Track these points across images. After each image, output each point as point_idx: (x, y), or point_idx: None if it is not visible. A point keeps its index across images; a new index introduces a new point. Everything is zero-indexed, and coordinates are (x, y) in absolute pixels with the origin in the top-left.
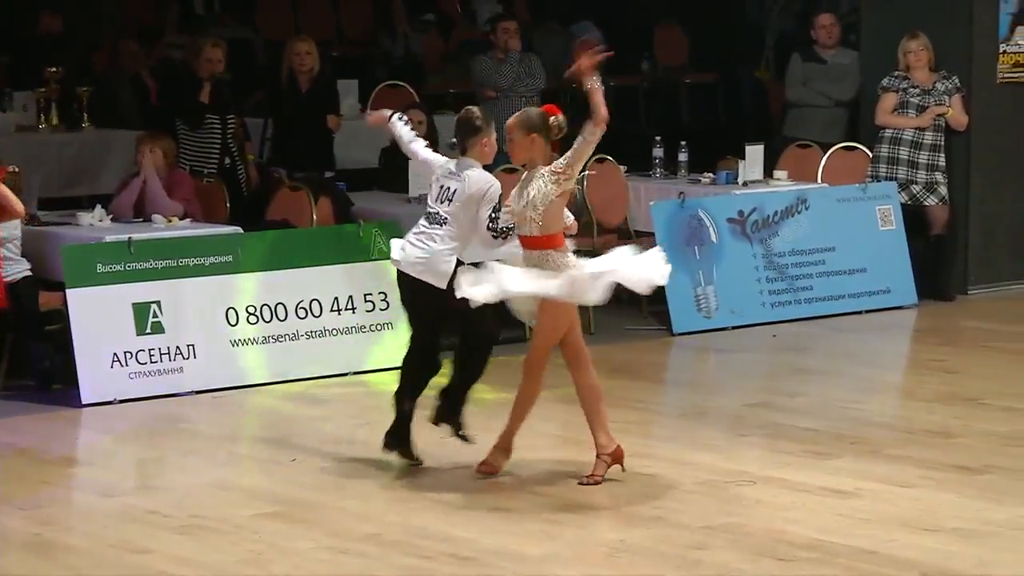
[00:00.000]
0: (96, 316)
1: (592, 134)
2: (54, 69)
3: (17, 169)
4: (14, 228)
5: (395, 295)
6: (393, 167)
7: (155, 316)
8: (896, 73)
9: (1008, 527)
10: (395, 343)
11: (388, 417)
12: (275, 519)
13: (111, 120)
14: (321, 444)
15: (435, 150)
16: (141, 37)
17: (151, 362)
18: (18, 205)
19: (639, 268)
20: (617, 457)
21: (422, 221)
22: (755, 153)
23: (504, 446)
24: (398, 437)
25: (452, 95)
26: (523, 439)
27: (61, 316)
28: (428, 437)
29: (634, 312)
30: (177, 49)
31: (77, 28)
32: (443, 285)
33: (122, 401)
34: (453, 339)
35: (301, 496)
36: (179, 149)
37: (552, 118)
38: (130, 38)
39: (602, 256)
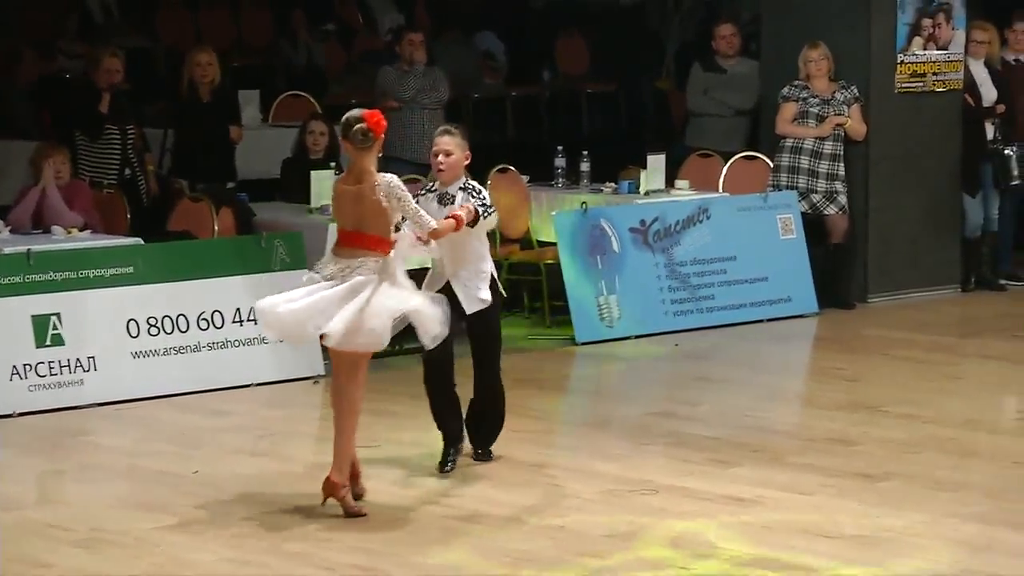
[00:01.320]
0: None
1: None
2: None
3: None
4: None
5: None
6: (295, 178)
7: (55, 328)
8: (796, 82)
9: (907, 533)
10: (296, 354)
11: (288, 427)
12: (176, 531)
13: (8, 130)
14: (223, 456)
15: (335, 159)
16: (38, 46)
17: (51, 374)
18: None
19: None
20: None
21: None
22: (657, 162)
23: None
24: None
25: (355, 105)
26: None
27: None
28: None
29: (537, 321)
30: (75, 59)
31: None
32: None
33: (22, 414)
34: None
35: (203, 508)
36: (78, 160)
37: (357, 126)
38: (27, 46)
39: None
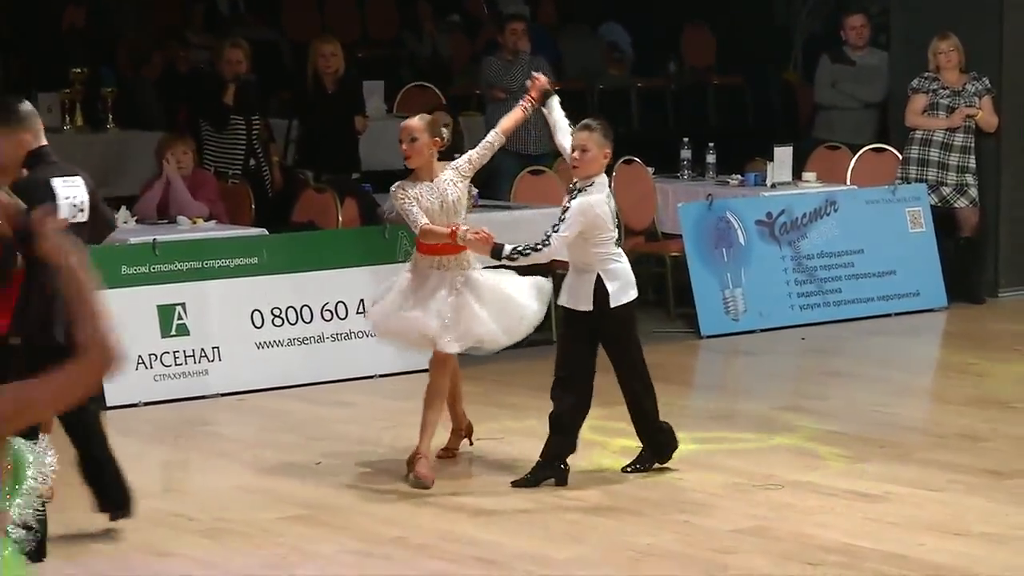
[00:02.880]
0: (121, 318)
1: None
2: (79, 70)
3: None
4: None
5: None
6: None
7: (180, 318)
8: (926, 74)
9: None
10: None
11: (412, 419)
12: (300, 522)
13: (135, 121)
14: (346, 447)
15: (458, 153)
16: (165, 37)
17: (176, 364)
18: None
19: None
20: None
21: (619, 250)
22: (784, 155)
23: (457, 428)
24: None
25: (479, 96)
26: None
27: None
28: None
29: (662, 314)
30: (202, 50)
31: (101, 23)
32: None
33: (147, 404)
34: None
35: (326, 499)
36: (204, 150)
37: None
38: (154, 38)
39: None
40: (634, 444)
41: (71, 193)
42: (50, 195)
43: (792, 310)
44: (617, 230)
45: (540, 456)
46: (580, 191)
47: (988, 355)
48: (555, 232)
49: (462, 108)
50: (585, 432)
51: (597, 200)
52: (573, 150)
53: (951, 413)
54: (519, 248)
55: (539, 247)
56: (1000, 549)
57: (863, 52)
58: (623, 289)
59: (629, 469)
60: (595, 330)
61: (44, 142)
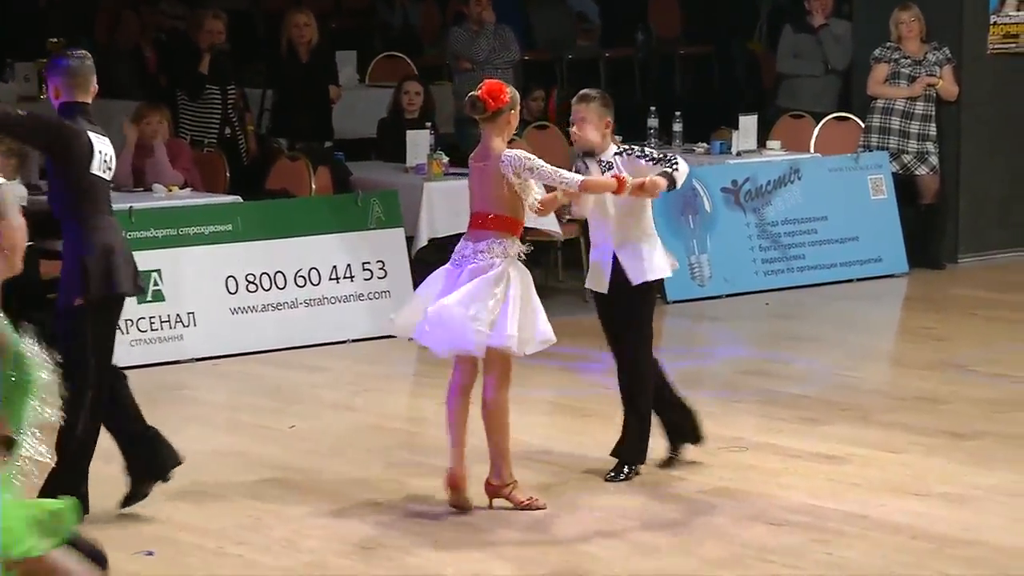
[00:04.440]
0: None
1: (567, 190)
2: (55, 40)
3: None
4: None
5: (393, 262)
6: (390, 137)
7: (156, 284)
8: (888, 44)
9: (996, 492)
10: (391, 311)
11: (384, 383)
12: (274, 485)
13: (111, 90)
14: (319, 410)
15: (431, 120)
16: (139, 7)
17: (152, 330)
18: None
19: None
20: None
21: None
22: (749, 123)
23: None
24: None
25: (448, 66)
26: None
27: None
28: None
29: None
30: (175, 20)
31: None
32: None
33: (123, 368)
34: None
35: (299, 462)
36: (179, 119)
37: (469, 95)
38: (129, 8)
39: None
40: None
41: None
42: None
43: (756, 276)
44: None
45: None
46: (606, 162)
47: (948, 319)
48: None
49: (432, 78)
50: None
51: None
52: (571, 124)
53: (912, 376)
54: (667, 170)
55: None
56: (959, 509)
57: (827, 21)
58: None
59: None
60: None
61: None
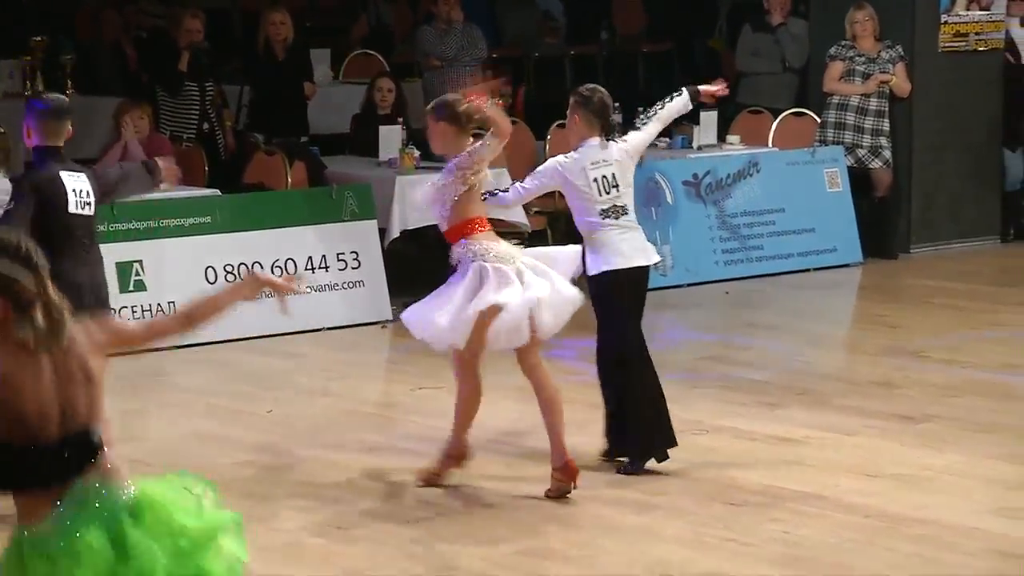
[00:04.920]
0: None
1: (494, 147)
2: (39, 38)
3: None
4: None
5: (367, 253)
6: (364, 132)
7: (137, 274)
8: (843, 42)
9: (945, 473)
10: (365, 301)
11: (358, 370)
12: (251, 467)
13: (93, 87)
14: (295, 395)
15: (403, 115)
16: (120, 5)
17: (133, 318)
18: None
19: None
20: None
21: (616, 221)
22: (709, 119)
23: (452, 452)
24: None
25: (419, 64)
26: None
27: None
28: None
29: None
30: (155, 18)
31: None
32: None
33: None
34: None
35: (276, 445)
36: (159, 115)
37: (464, 106)
38: (110, 7)
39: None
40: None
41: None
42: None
43: (717, 266)
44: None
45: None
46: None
47: (900, 307)
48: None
49: (404, 75)
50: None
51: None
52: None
53: (866, 362)
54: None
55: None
56: (911, 489)
57: (784, 20)
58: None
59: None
60: None
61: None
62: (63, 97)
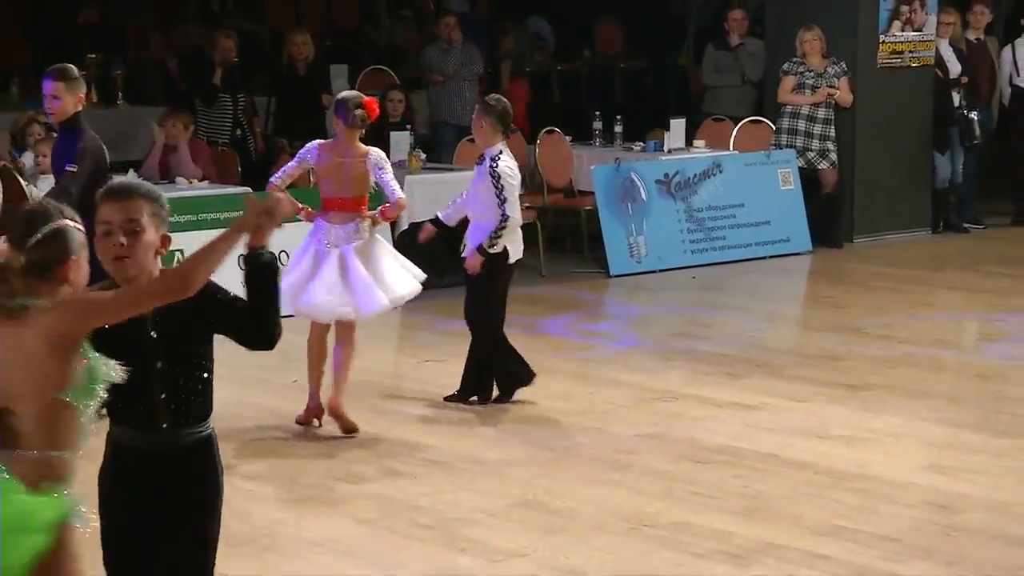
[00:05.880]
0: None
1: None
2: (93, 55)
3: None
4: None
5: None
6: (374, 138)
7: (180, 262)
8: (794, 59)
9: (884, 434)
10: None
11: (371, 343)
12: (277, 430)
13: (140, 98)
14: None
15: (411, 123)
16: (165, 28)
17: None
18: None
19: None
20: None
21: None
22: (678, 126)
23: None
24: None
25: (425, 78)
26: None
27: None
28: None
29: (578, 258)
30: (196, 39)
31: (112, 17)
32: None
33: None
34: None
35: (298, 411)
36: (197, 123)
37: (359, 111)
38: (156, 29)
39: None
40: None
41: None
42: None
43: (685, 254)
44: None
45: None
46: (493, 159)
47: (845, 289)
48: (505, 204)
49: (412, 87)
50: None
51: (513, 165)
52: (474, 125)
53: (815, 337)
54: (487, 243)
55: (503, 227)
56: (855, 449)
57: (743, 40)
58: None
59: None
60: None
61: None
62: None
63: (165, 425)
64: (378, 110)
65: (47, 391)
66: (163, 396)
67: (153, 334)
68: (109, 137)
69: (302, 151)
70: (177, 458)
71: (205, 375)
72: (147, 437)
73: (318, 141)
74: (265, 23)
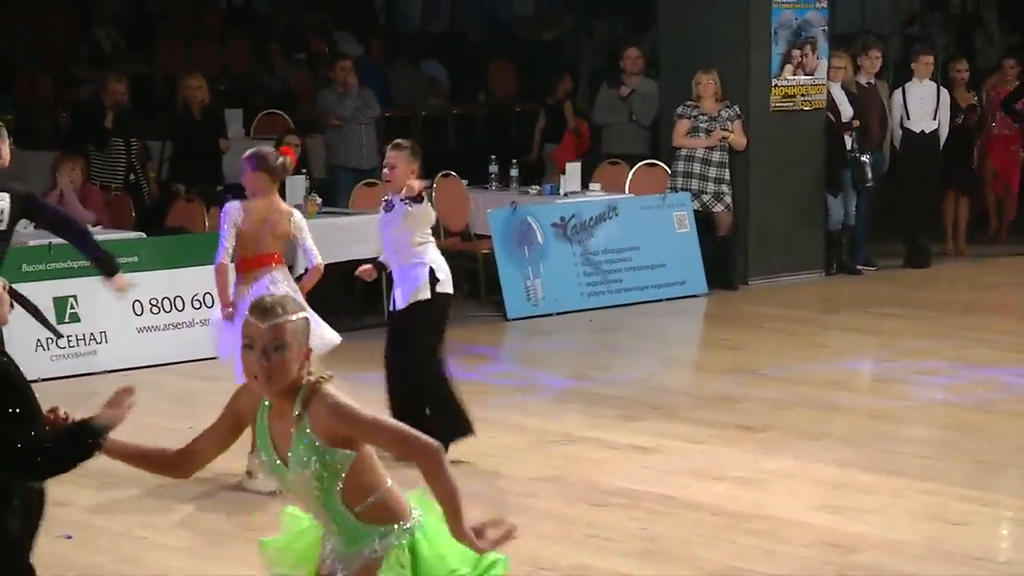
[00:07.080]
0: (22, 309)
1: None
2: None
3: None
4: None
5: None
6: None
7: (72, 308)
8: (688, 103)
9: (780, 475)
10: None
11: None
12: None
13: (30, 142)
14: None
15: (307, 167)
16: (55, 72)
17: (69, 347)
18: None
19: None
20: None
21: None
22: (574, 169)
23: None
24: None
25: (321, 122)
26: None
27: None
28: None
29: (475, 301)
30: (87, 84)
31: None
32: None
33: (44, 380)
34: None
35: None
36: (90, 167)
37: (283, 159)
38: (46, 73)
39: None
40: None
41: None
42: None
43: (582, 296)
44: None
45: None
46: (405, 202)
47: (740, 331)
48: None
49: (308, 131)
50: None
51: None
52: (384, 167)
53: (711, 379)
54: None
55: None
56: (751, 489)
57: (638, 80)
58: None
59: None
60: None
61: None
62: None
63: None
64: (295, 157)
65: None
66: None
67: None
68: None
69: (229, 215)
70: None
71: None
72: None
73: (237, 202)
74: (156, 66)
